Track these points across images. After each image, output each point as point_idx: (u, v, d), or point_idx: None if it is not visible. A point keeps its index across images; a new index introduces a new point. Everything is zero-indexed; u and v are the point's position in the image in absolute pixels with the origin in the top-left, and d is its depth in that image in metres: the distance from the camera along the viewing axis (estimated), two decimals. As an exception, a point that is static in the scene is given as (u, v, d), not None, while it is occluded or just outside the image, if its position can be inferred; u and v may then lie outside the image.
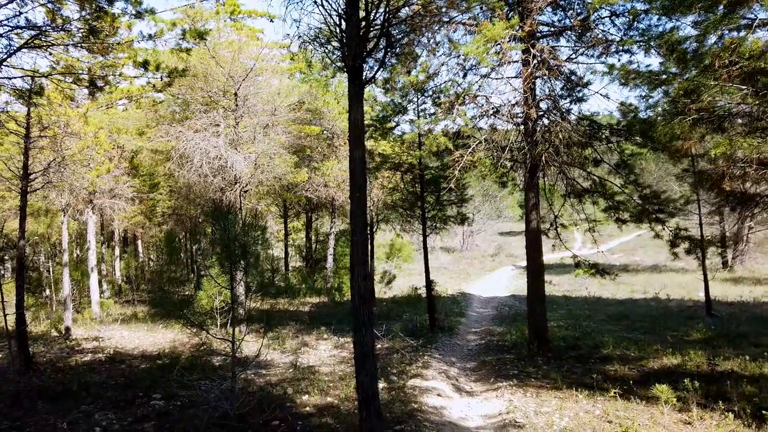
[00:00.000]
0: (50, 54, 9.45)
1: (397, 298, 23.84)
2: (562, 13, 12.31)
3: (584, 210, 13.00)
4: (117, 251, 29.12)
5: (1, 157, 13.63)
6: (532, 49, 11.26)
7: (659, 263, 34.03)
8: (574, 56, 11.86)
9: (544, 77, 11.85)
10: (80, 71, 10.00)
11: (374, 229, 20.92)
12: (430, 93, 13.50)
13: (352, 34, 6.48)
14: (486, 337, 15.27)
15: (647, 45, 9.95)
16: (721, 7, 6.87)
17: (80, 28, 8.72)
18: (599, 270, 12.77)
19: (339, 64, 7.12)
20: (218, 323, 9.84)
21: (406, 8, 7.49)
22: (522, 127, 12.06)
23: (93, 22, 8.42)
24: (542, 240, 12.92)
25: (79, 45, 8.99)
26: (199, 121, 16.57)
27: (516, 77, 12.01)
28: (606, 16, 11.42)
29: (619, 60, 11.22)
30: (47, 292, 24.72)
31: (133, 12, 8.80)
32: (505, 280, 32.00)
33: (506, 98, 11.85)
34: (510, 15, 11.46)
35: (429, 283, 16.20)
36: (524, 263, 14.31)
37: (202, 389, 9.87)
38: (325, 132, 22.75)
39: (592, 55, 11.74)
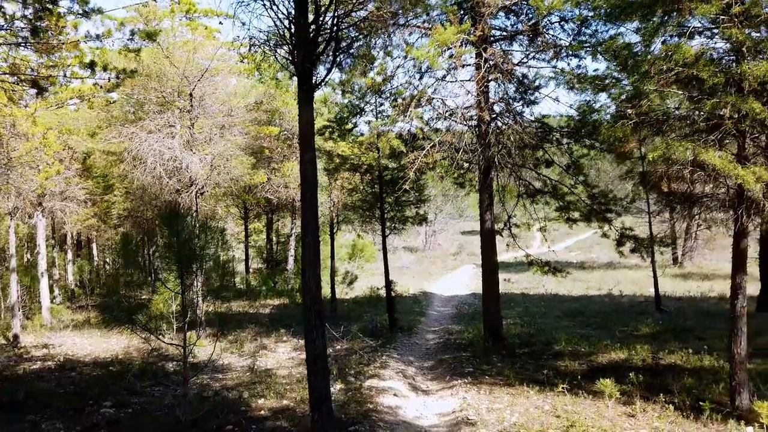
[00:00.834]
0: (-8, 53, 9.16)
1: (358, 298, 23.87)
2: (514, 18, 12.59)
3: (536, 210, 13.32)
4: (70, 255, 28.24)
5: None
6: (484, 53, 11.48)
7: (614, 260, 34.97)
8: (525, 60, 12.15)
9: (498, 80, 12.09)
10: (25, 71, 9.71)
11: (335, 230, 20.90)
12: (388, 95, 13.60)
13: (301, 37, 6.51)
14: (444, 336, 15.47)
15: (594, 50, 10.29)
16: (657, 15, 7.16)
17: (23, 27, 8.47)
18: (552, 268, 13.12)
19: (290, 69, 7.12)
20: (174, 328, 9.69)
21: (358, 12, 7.54)
22: (476, 129, 12.27)
23: (36, 21, 8.18)
24: (497, 239, 13.19)
25: (23, 44, 8.73)
26: (153, 122, 16.25)
27: (470, 80, 12.22)
28: (556, 22, 11.75)
29: (569, 64, 11.57)
30: (-6, 298, 23.79)
31: (80, 11, 8.59)
32: (466, 279, 32.39)
33: (461, 101, 12.06)
34: (463, 19, 11.65)
35: (388, 284, 16.30)
36: (485, 262, 14.56)
37: (155, 396, 9.72)
38: (284, 132, 22.60)
39: (543, 59, 12.06)
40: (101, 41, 8.89)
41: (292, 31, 6.64)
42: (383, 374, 10.99)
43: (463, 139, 11.81)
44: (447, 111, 12.27)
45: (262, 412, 8.77)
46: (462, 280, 31.90)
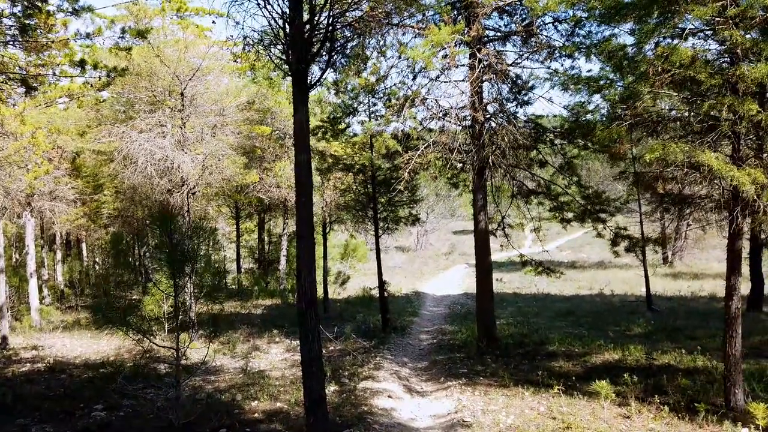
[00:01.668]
0: (-21, 51, 8.99)
1: (350, 298, 23.82)
2: (508, 18, 12.57)
3: (530, 210, 13.34)
4: (59, 255, 27.95)
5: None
6: (478, 54, 11.45)
7: (605, 260, 35.19)
8: (519, 61, 12.14)
9: (491, 81, 12.08)
10: (14, 69, 9.56)
11: (327, 231, 20.82)
12: (381, 95, 13.56)
13: (296, 37, 6.43)
14: (438, 336, 15.44)
15: (588, 51, 10.29)
16: (654, 17, 7.16)
17: (12, 25, 8.33)
18: (545, 268, 13.14)
19: (285, 68, 7.04)
20: (165, 329, 9.60)
21: (353, 12, 7.48)
22: (470, 129, 12.25)
23: (25, 19, 8.05)
24: (491, 240, 13.18)
25: (11, 43, 8.58)
26: (144, 121, 16.08)
27: (464, 81, 12.19)
28: (549, 23, 11.75)
29: (562, 65, 11.59)
30: (-18, 299, 23.45)
31: (70, 9, 8.46)
32: (458, 279, 32.43)
33: (455, 101, 12.03)
34: (457, 19, 11.62)
35: (382, 284, 16.25)
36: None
37: (147, 398, 9.61)
38: (276, 132, 22.48)
39: (537, 60, 12.07)
40: (92, 39, 8.78)
41: (287, 30, 6.56)
42: (377, 375, 10.94)
43: (457, 139, 11.79)
44: (441, 111, 12.23)
45: (256, 414, 8.69)
46: (454, 280, 31.94)
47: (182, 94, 16.02)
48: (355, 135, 16.32)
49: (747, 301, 15.99)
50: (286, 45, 6.59)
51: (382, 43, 12.03)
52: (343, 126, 14.88)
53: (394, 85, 12.79)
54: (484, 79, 11.83)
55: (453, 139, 11.75)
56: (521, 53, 12.10)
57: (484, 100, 12.22)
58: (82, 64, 8.54)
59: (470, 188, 14.67)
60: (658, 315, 16.60)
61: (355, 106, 14.20)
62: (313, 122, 15.49)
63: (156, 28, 15.75)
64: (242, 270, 31.22)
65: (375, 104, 14.39)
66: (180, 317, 8.16)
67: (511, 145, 11.64)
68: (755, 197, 6.65)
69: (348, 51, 8.61)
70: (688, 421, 7.49)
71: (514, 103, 12.39)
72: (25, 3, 8.07)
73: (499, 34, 12.50)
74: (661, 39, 7.86)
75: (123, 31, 8.84)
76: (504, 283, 27.76)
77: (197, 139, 16.19)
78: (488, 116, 12.20)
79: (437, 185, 47.32)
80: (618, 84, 8.15)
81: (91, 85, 9.42)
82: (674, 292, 21.58)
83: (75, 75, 9.09)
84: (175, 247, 7.55)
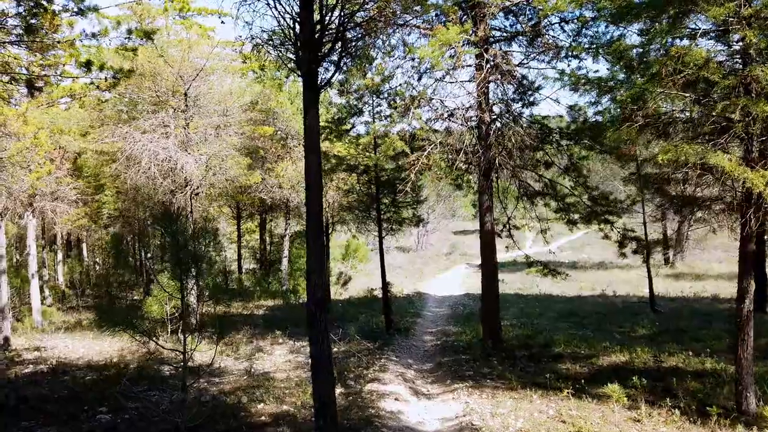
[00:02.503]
0: (-16, 51, 8.93)
1: (353, 299, 23.75)
2: (514, 19, 12.53)
3: (536, 211, 13.28)
4: (60, 255, 27.88)
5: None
6: (485, 54, 11.40)
7: (606, 260, 35.13)
8: (525, 61, 12.09)
9: (497, 81, 12.02)
10: (18, 70, 9.49)
11: (330, 231, 20.79)
12: (386, 95, 13.49)
13: (307, 38, 6.37)
14: (442, 338, 15.38)
15: (596, 52, 10.22)
16: (667, 17, 7.11)
17: (16, 25, 8.26)
18: (550, 269, 13.09)
19: (293, 67, 6.98)
20: (169, 330, 9.52)
21: (362, 12, 7.43)
22: (476, 130, 12.19)
23: (31, 19, 7.98)
24: (496, 241, 13.12)
25: (16, 43, 8.51)
26: (147, 121, 16.01)
27: (470, 81, 12.14)
28: (556, 23, 11.70)
29: (568, 65, 11.51)
30: (-17, 300, 23.36)
31: (75, 9, 8.39)
32: (459, 279, 32.36)
33: (460, 102, 11.99)
34: (463, 20, 11.56)
35: (385, 285, 16.18)
36: (477, 262, 14.51)
37: (152, 401, 9.53)
38: (278, 132, 22.42)
39: (543, 60, 12.02)
40: (98, 39, 8.70)
41: (297, 30, 6.50)
42: (383, 378, 10.87)
43: (463, 140, 11.73)
44: (446, 112, 12.18)
45: (263, 417, 8.63)
46: (455, 281, 31.87)
47: (186, 94, 15.96)
48: (359, 136, 16.26)
49: (752, 302, 15.91)
50: (297, 46, 6.53)
51: (387, 43, 11.99)
52: (347, 126, 14.82)
53: (399, 85, 12.73)
54: (490, 79, 11.77)
55: (459, 140, 11.68)
56: (527, 53, 12.05)
57: (490, 101, 12.17)
58: (88, 65, 8.46)
59: (475, 189, 14.63)
60: (661, 316, 16.53)
61: (360, 106, 14.14)
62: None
63: (159, 29, 15.69)
64: (243, 270, 31.15)
65: (379, 105, 14.34)
66: (184, 321, 8.09)
67: (517, 145, 11.59)
68: (768, 198, 6.59)
69: (356, 51, 8.55)
70: (700, 425, 7.43)
71: (520, 103, 12.34)
72: (31, 2, 8.00)
73: (505, 34, 12.45)
74: (671, 40, 7.81)
75: (129, 31, 8.76)
76: (506, 283, 27.63)
77: (201, 139, 16.13)
78: (494, 117, 12.15)
79: (439, 186, 47.33)
80: (629, 85, 8.08)
81: (97, 86, 9.34)
82: (677, 293, 21.51)
83: (81, 76, 9.02)
84: (182, 248, 7.48)
